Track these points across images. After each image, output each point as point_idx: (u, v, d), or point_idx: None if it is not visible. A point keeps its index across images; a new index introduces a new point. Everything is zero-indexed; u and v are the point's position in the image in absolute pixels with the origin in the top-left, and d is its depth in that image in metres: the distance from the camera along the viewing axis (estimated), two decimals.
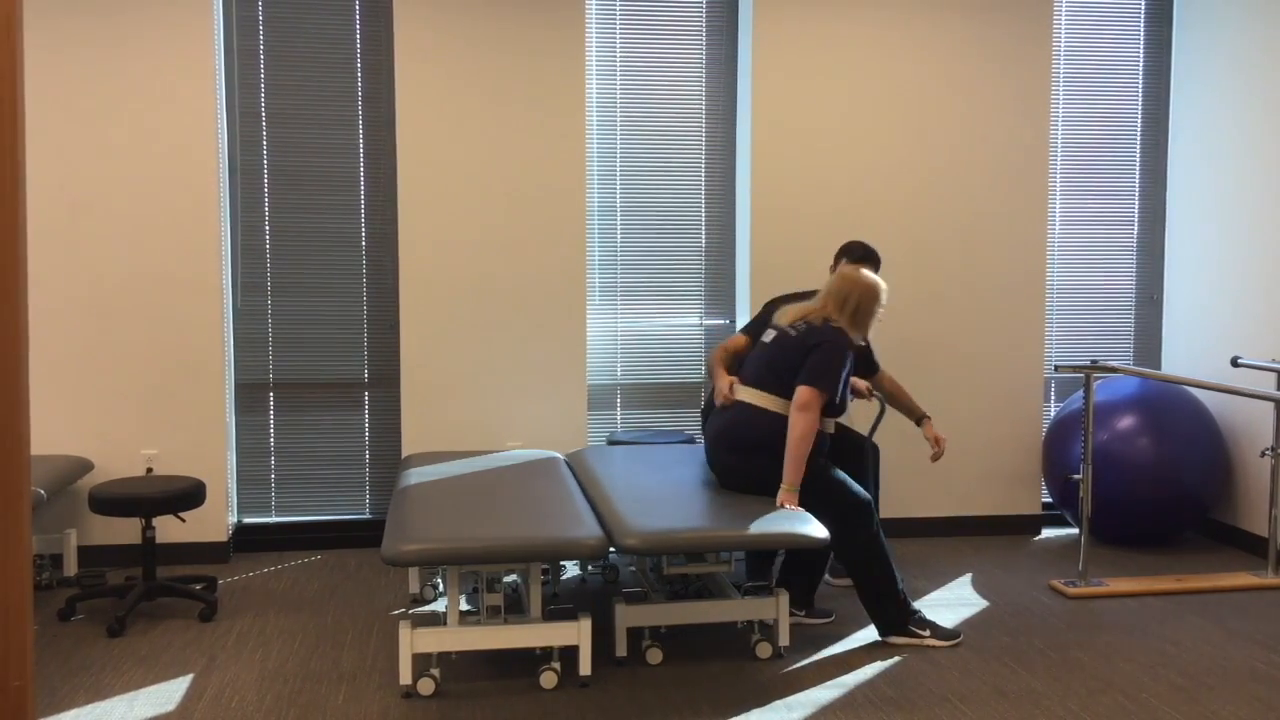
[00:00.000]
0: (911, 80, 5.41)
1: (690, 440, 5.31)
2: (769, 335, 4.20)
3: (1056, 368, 5.07)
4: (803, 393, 3.93)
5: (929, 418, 4.53)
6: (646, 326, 5.60)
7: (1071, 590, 4.60)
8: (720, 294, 5.64)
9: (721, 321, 5.64)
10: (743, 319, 5.54)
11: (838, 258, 4.59)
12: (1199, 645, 4.04)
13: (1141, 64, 5.77)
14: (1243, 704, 3.51)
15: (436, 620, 4.23)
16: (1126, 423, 5.16)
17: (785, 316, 4.17)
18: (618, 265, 5.55)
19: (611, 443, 5.29)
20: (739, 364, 4.32)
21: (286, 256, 5.27)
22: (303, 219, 5.26)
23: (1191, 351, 5.64)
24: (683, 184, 5.56)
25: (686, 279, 5.61)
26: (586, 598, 4.55)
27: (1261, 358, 5.07)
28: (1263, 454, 4.91)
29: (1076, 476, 4.74)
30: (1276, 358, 5.01)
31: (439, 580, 4.60)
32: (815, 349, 3.99)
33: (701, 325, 5.64)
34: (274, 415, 5.32)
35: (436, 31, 5.12)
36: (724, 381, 4.22)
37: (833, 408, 4.06)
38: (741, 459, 4.05)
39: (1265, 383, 4.96)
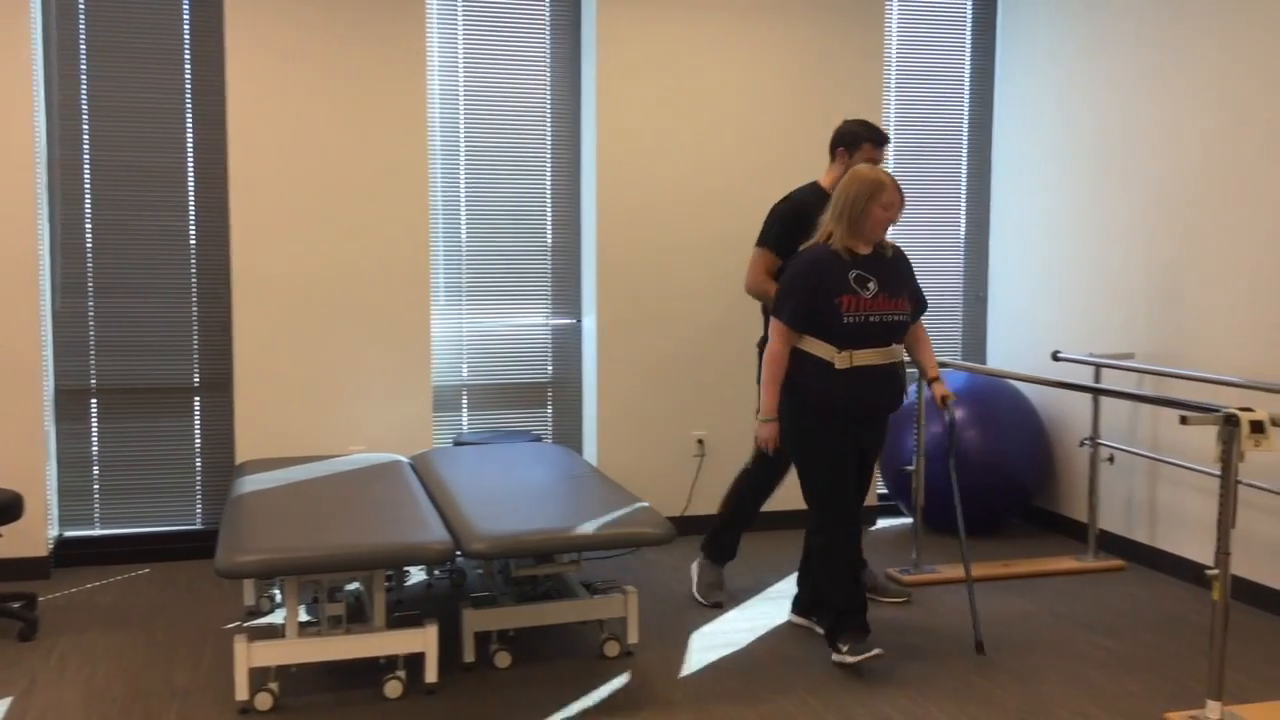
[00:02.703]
0: (751, 80, 5.50)
1: (538, 439, 5.29)
2: None
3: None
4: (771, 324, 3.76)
5: (940, 379, 3.95)
6: (493, 326, 5.55)
7: (906, 578, 4.76)
8: (567, 293, 5.63)
9: (569, 320, 5.63)
10: (590, 318, 5.55)
11: (833, 148, 4.33)
12: (1026, 628, 4.23)
13: (968, 69, 6.01)
14: (1068, 684, 3.69)
15: (274, 633, 4.10)
16: (957, 415, 5.36)
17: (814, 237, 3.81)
18: (463, 264, 5.48)
19: (458, 444, 5.22)
20: None
21: (110, 256, 5.02)
22: (127, 216, 5.02)
23: (1015, 346, 5.91)
24: (529, 182, 5.53)
25: (533, 278, 5.58)
26: (433, 603, 4.48)
27: (1080, 352, 5.34)
28: (1081, 444, 5.18)
29: (910, 468, 4.91)
30: (1094, 352, 5.29)
31: (276, 591, 4.46)
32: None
33: (548, 325, 5.62)
34: (97, 423, 5.06)
35: (270, 20, 4.95)
36: None
37: (828, 332, 3.63)
38: None
39: (1084, 376, 5.23)
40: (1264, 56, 4.37)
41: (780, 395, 3.74)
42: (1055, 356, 5.22)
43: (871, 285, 3.65)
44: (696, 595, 4.53)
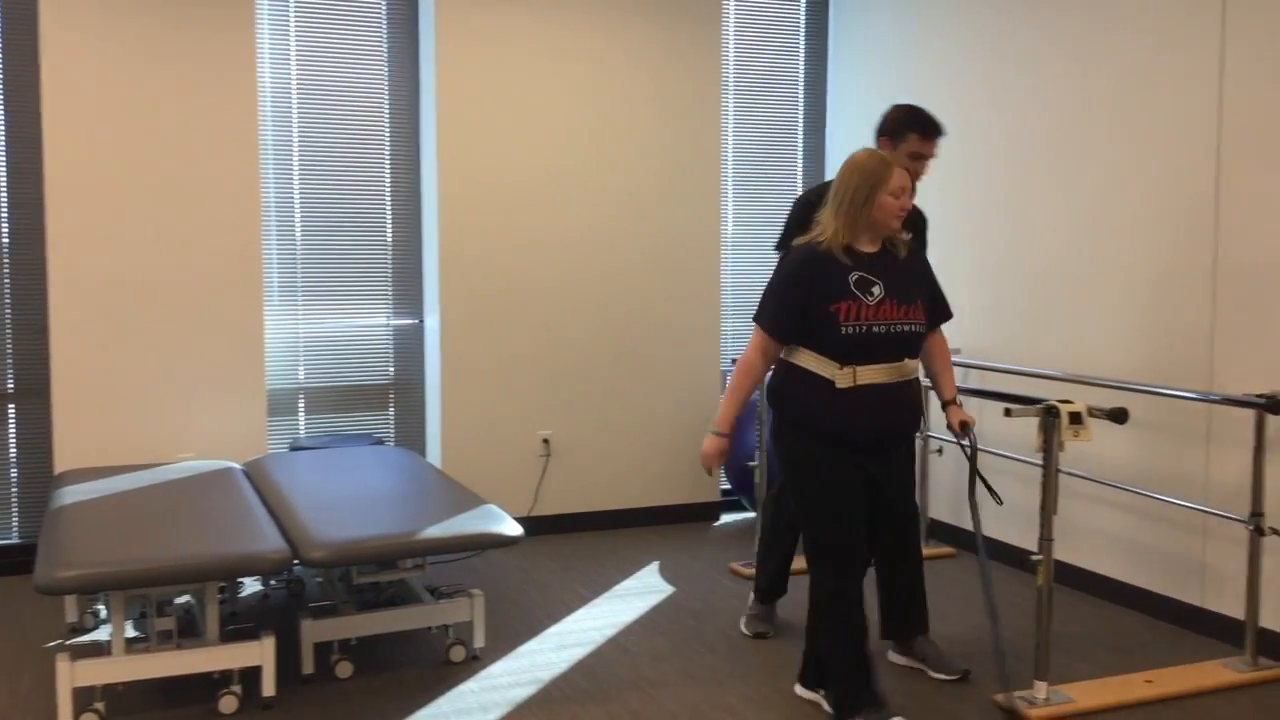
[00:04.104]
0: (593, 76, 5.51)
1: (380, 442, 5.18)
2: None
3: (733, 361, 5.32)
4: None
5: (958, 403, 3.43)
6: (331, 326, 5.41)
7: (748, 571, 4.84)
8: (409, 292, 5.53)
9: (411, 320, 5.53)
10: (433, 317, 5.46)
11: (877, 137, 3.75)
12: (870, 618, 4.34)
13: (801, 70, 6.15)
14: (898, 665, 3.81)
15: (99, 650, 3.89)
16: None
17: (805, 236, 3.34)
18: (298, 264, 5.32)
19: (294, 449, 5.08)
20: None
21: None
22: None
23: None
24: (367, 178, 5.40)
25: (372, 277, 5.46)
26: (270, 614, 4.34)
27: None
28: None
29: (752, 463, 5.00)
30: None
31: (101, 607, 4.24)
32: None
33: (389, 325, 5.51)
34: None
35: (88, 7, 4.70)
36: None
37: (824, 344, 3.13)
38: None
39: None
40: (1090, 49, 4.61)
41: (774, 420, 3.27)
42: None
43: (876, 290, 3.13)
44: (742, 628, 4.16)
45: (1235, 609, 3.95)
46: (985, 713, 3.46)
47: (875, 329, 3.11)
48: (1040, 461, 3.41)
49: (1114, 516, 4.51)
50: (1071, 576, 4.66)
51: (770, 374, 3.32)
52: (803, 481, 3.21)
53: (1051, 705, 3.43)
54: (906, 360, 3.19)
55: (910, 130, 3.66)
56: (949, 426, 3.34)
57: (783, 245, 3.85)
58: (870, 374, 3.13)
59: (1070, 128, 4.64)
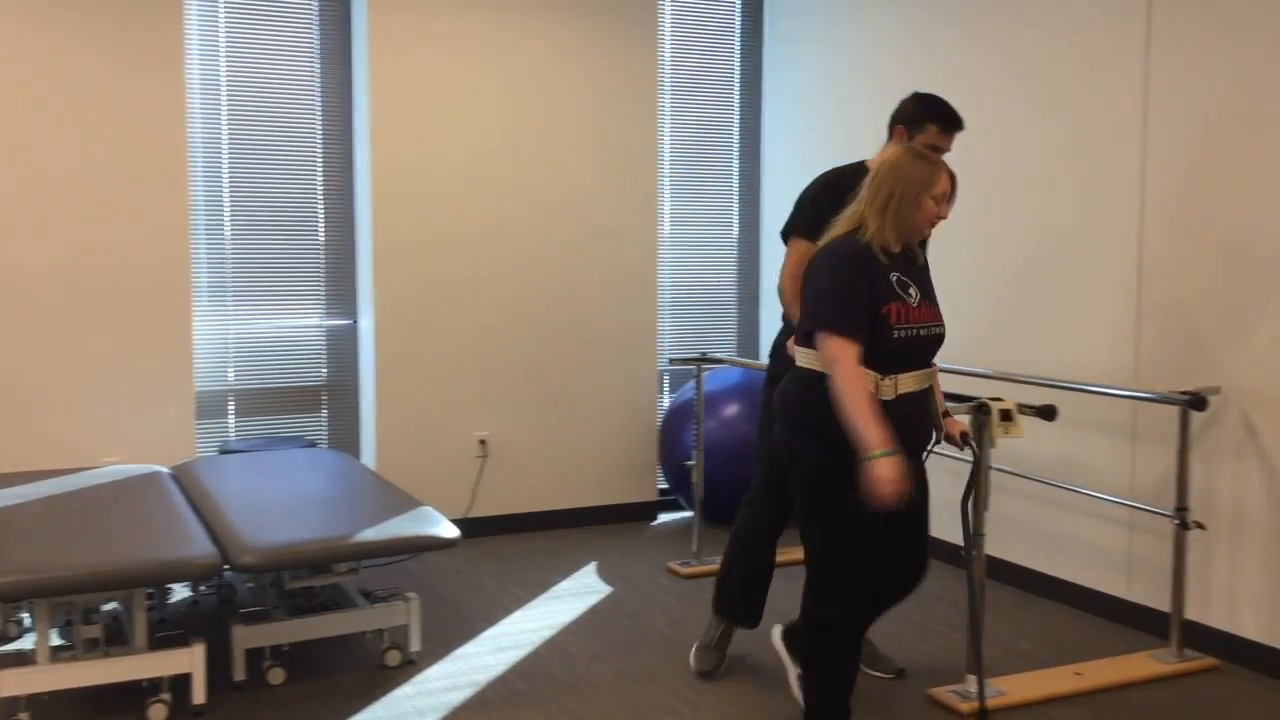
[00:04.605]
0: (527, 76, 5.48)
1: (312, 445, 5.11)
2: None
3: (670, 360, 5.33)
4: (817, 346, 2.87)
5: (950, 416, 3.26)
6: (262, 328, 5.32)
7: (685, 570, 4.86)
8: (342, 292, 5.46)
9: (344, 321, 5.46)
10: (367, 318, 5.39)
11: (892, 126, 3.49)
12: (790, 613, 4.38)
13: (737, 72, 6.18)
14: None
15: (24, 659, 3.79)
16: (732, 410, 5.51)
17: (834, 230, 2.98)
18: (228, 263, 5.23)
19: (224, 452, 4.99)
20: None
21: None
22: None
23: None
24: (298, 178, 5.33)
25: (305, 277, 5.38)
26: (200, 621, 4.26)
27: None
28: None
29: (690, 463, 5.01)
30: None
31: (26, 615, 4.14)
32: (808, 282, 2.99)
33: (322, 325, 5.43)
34: None
35: (11, 3, 4.58)
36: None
37: (872, 349, 2.82)
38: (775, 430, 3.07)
39: None
40: (1019, 52, 4.68)
41: (791, 437, 2.94)
42: None
43: (913, 291, 2.92)
44: (690, 660, 3.82)
45: (1161, 602, 4.04)
46: (922, 708, 3.50)
47: (920, 331, 2.90)
48: (970, 458, 3.45)
49: (1043, 512, 4.59)
50: (1001, 571, 4.74)
51: (785, 387, 3.00)
52: (832, 507, 2.88)
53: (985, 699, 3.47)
54: (933, 365, 3.00)
55: (930, 121, 3.41)
56: (947, 437, 3.13)
57: (798, 230, 3.46)
58: (908, 382, 2.89)
59: (999, 129, 4.71)
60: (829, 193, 3.31)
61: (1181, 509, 3.79)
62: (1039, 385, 4.28)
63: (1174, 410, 3.87)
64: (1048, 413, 3.52)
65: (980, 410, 3.41)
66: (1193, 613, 3.94)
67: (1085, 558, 4.39)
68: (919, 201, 2.88)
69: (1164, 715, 3.46)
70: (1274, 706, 3.52)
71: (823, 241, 2.97)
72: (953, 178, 2.96)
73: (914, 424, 2.91)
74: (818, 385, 2.85)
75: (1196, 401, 3.71)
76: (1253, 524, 3.78)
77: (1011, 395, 4.47)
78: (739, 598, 3.73)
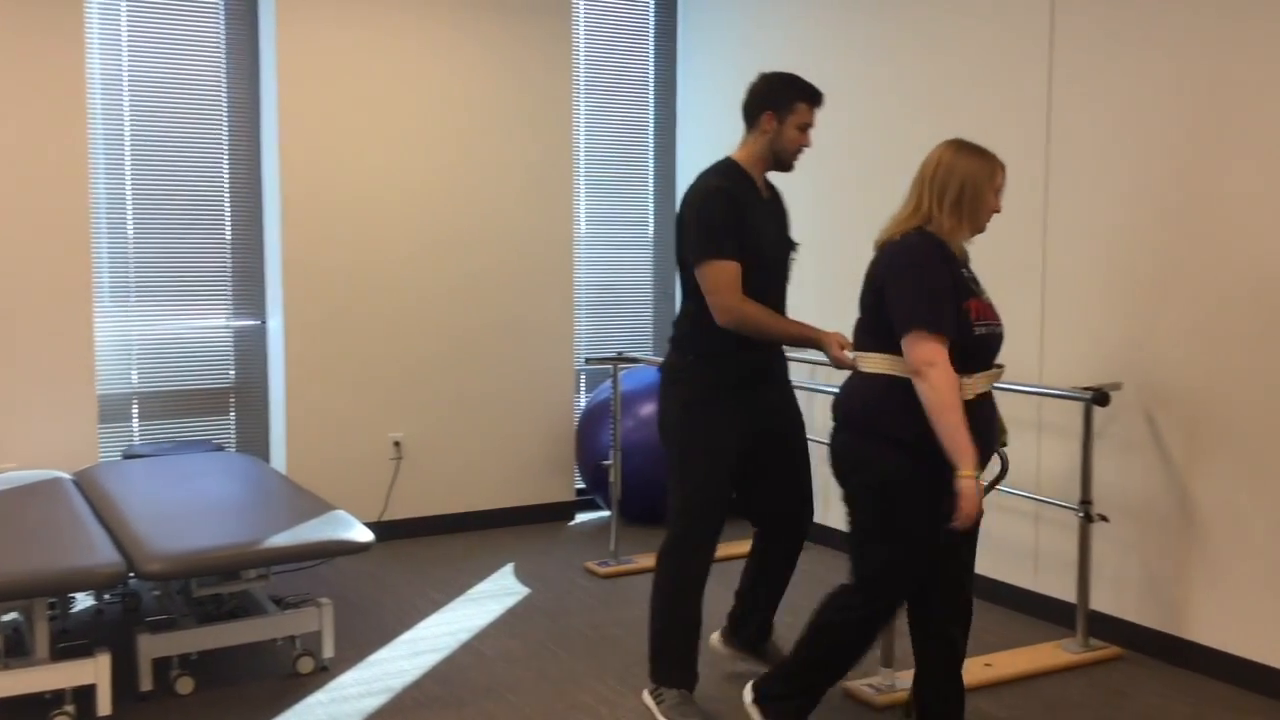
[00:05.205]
0: (441, 75, 5.43)
1: (220, 448, 4.99)
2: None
3: (587, 360, 5.32)
4: (907, 348, 2.69)
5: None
6: (167, 329, 5.19)
7: (603, 570, 4.86)
8: (250, 293, 5.34)
9: (252, 322, 5.35)
10: (276, 318, 5.29)
11: (754, 113, 3.37)
12: (724, 611, 4.40)
13: (651, 72, 6.19)
14: (733, 674, 3.87)
15: None
16: (649, 409, 5.52)
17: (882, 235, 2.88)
18: (130, 263, 5.09)
19: (128, 456, 4.86)
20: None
21: None
22: None
23: None
24: (204, 176, 5.21)
25: (211, 277, 5.26)
26: (104, 630, 4.14)
27: None
28: None
29: (607, 462, 5.01)
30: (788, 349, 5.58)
31: None
32: (886, 282, 2.78)
33: (230, 326, 5.32)
34: None
35: None
36: (828, 339, 3.16)
37: (952, 348, 2.67)
38: (833, 436, 2.93)
39: None
40: (935, 40, 4.76)
41: (856, 442, 2.81)
42: None
43: (979, 287, 2.84)
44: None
45: (1067, 593, 4.14)
46: (839, 702, 3.54)
47: (996, 330, 2.80)
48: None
49: None
50: None
51: (849, 387, 2.88)
52: (902, 515, 2.76)
53: (897, 691, 3.53)
54: (1001, 366, 2.88)
55: (799, 99, 3.25)
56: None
57: (724, 252, 3.16)
58: (981, 382, 2.76)
59: (908, 123, 4.79)
60: (721, 202, 3.20)
61: (1085, 502, 3.89)
62: None
63: (1078, 406, 3.97)
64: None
65: None
66: (1098, 603, 4.05)
67: (993, 550, 4.48)
68: (983, 195, 2.79)
69: (1072, 704, 3.55)
70: (1175, 693, 3.63)
71: (896, 232, 2.81)
72: (1003, 169, 2.86)
73: (982, 430, 2.75)
74: (893, 387, 2.73)
75: (1099, 397, 3.81)
76: (1154, 516, 3.90)
77: None
78: (764, 630, 3.68)
